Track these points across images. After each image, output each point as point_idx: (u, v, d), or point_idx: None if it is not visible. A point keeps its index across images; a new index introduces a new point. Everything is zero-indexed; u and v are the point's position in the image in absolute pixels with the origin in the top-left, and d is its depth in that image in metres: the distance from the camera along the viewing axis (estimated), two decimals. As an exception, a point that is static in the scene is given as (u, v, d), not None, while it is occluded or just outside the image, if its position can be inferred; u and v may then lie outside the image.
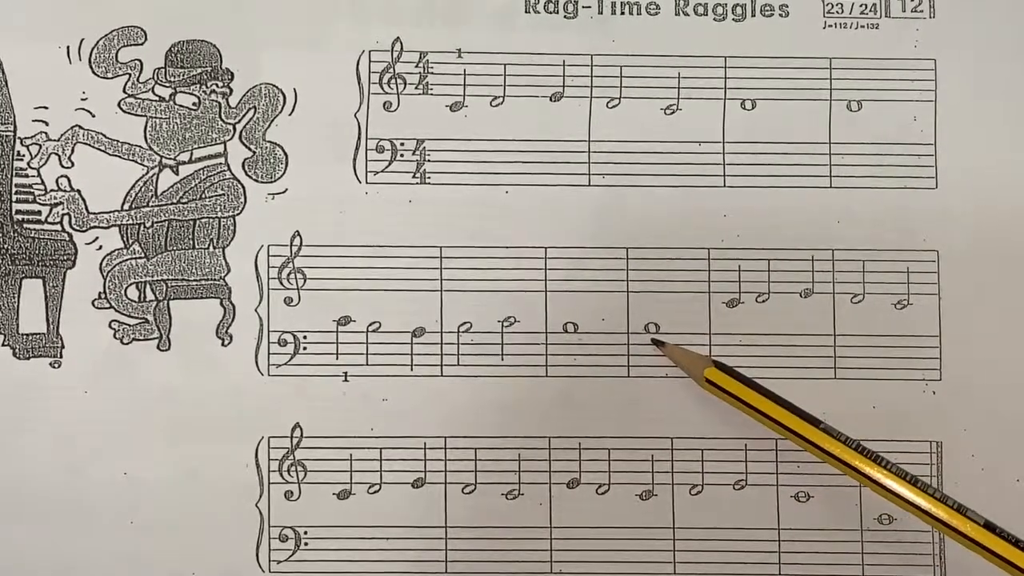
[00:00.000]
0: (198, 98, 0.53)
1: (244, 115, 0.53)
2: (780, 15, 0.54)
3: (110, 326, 0.52)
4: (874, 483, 0.47)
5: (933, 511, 0.46)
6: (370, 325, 0.53)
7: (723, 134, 0.54)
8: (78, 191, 0.53)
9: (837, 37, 0.54)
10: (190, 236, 0.53)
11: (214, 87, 0.53)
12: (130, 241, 0.53)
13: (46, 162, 0.53)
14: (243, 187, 0.53)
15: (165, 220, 0.53)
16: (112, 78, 0.53)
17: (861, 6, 0.54)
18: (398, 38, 0.54)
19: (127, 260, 0.53)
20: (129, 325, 0.52)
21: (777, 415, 0.49)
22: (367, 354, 0.53)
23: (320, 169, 0.53)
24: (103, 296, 0.52)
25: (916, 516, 0.46)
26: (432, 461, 0.52)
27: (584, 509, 0.52)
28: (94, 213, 0.53)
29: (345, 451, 0.52)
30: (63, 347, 0.52)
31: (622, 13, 0.54)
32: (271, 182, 0.53)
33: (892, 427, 0.53)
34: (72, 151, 0.53)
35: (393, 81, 0.54)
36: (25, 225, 0.53)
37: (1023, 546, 0.45)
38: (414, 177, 0.53)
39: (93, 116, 0.53)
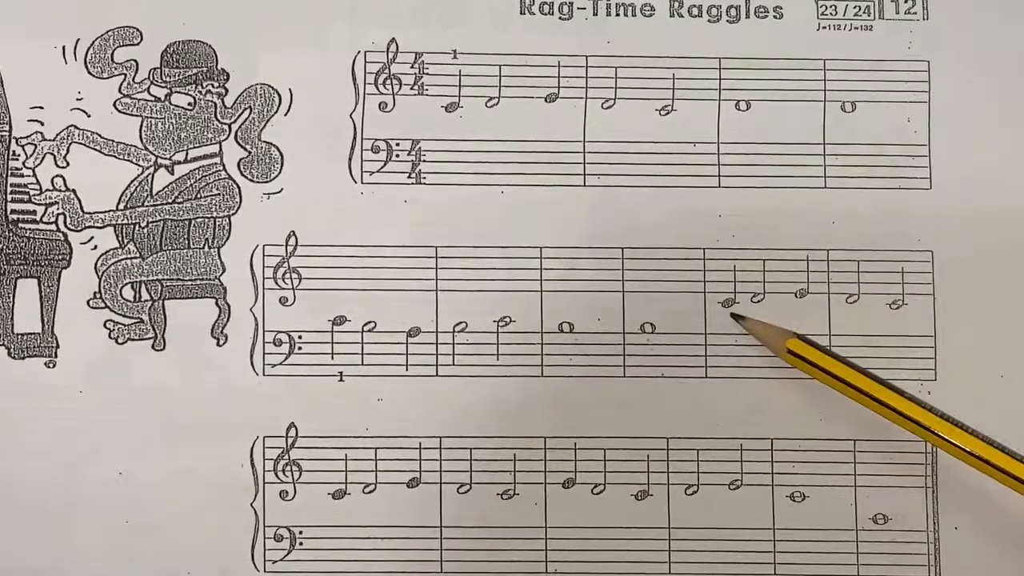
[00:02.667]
0: (194, 98, 0.53)
1: (240, 115, 0.53)
2: (774, 16, 0.55)
3: (105, 326, 0.52)
4: (962, 451, 0.48)
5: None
6: (365, 325, 0.53)
7: (718, 135, 0.54)
8: (73, 191, 0.53)
9: (831, 38, 0.54)
10: (185, 236, 0.53)
11: (210, 87, 0.53)
12: (125, 241, 0.53)
13: (41, 162, 0.53)
14: (238, 187, 0.53)
15: (160, 220, 0.53)
16: (108, 78, 0.53)
17: (855, 8, 0.55)
18: (394, 39, 0.54)
19: (122, 260, 0.53)
20: (124, 325, 0.52)
21: (861, 384, 0.49)
22: (362, 354, 0.53)
23: (316, 169, 0.53)
24: (98, 296, 0.52)
25: (1012, 488, 0.47)
26: (427, 461, 0.52)
27: (579, 509, 0.52)
28: (89, 213, 0.53)
29: (340, 451, 0.52)
30: (58, 347, 0.52)
31: (617, 15, 0.54)
32: (266, 182, 0.53)
33: (887, 427, 0.52)
34: (67, 151, 0.53)
35: (389, 82, 0.54)
36: (20, 225, 0.53)
37: None
38: (409, 177, 0.53)
39: (88, 116, 0.53)
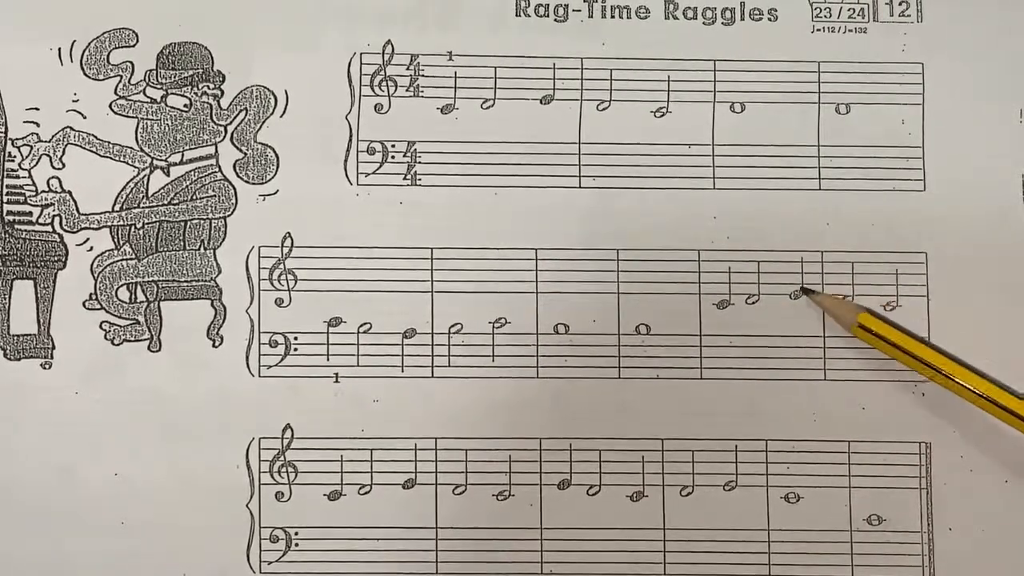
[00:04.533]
0: (189, 100, 0.53)
1: (235, 117, 0.53)
2: (769, 19, 0.55)
3: (101, 327, 0.52)
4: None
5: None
6: (361, 326, 0.53)
7: (712, 137, 0.54)
8: (69, 192, 0.53)
9: (825, 41, 0.55)
10: (181, 237, 0.53)
11: (205, 89, 0.53)
12: (121, 242, 0.53)
13: (37, 163, 0.53)
14: (234, 188, 0.53)
15: (156, 221, 0.53)
16: (103, 80, 0.53)
17: (849, 10, 0.55)
18: (389, 40, 0.54)
19: (118, 261, 0.53)
20: (120, 326, 0.52)
21: (928, 357, 0.51)
22: (358, 355, 0.53)
23: (311, 171, 0.53)
24: (94, 297, 0.52)
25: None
26: (423, 462, 0.52)
27: (575, 510, 0.52)
28: (85, 214, 0.53)
29: (336, 452, 0.52)
30: (54, 348, 0.52)
31: (612, 17, 0.54)
32: (262, 183, 0.53)
33: (881, 428, 0.53)
34: (63, 152, 0.53)
35: (384, 83, 0.54)
36: (16, 226, 0.53)
37: None
38: (405, 179, 0.53)
39: (84, 117, 0.53)
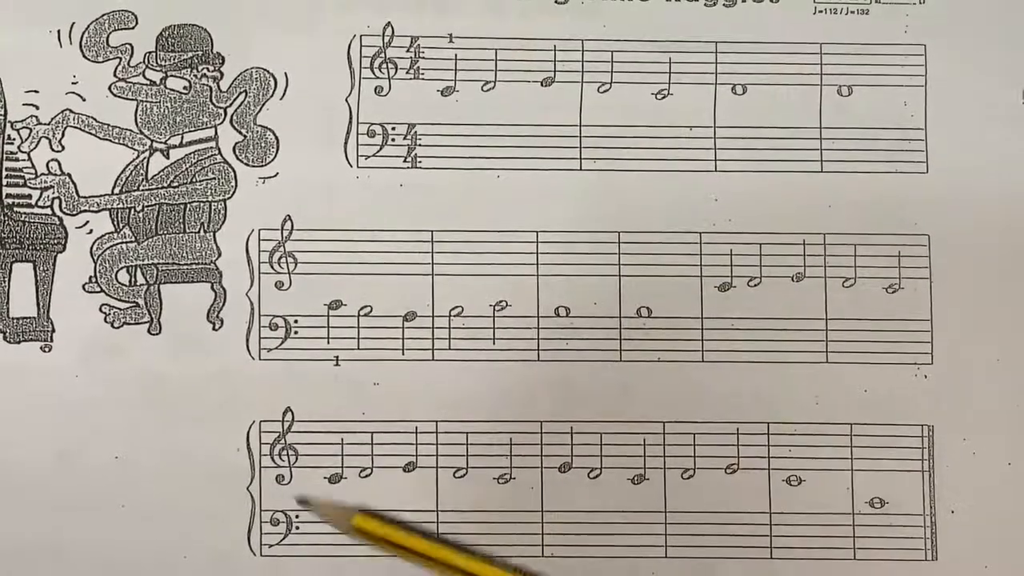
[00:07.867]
0: (189, 82, 0.53)
1: (235, 99, 0.53)
2: (771, 0, 0.55)
3: (101, 310, 0.52)
4: None
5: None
6: (361, 309, 0.53)
7: (714, 119, 0.54)
8: (68, 175, 0.53)
9: (828, 22, 0.54)
10: (181, 220, 0.53)
11: (205, 71, 0.53)
12: (121, 225, 0.53)
13: (36, 146, 0.53)
14: (234, 171, 0.53)
15: (156, 204, 0.53)
16: (103, 62, 0.53)
17: (851, -9, 0.55)
18: (389, 23, 0.54)
19: (118, 244, 0.53)
20: (120, 309, 0.52)
21: (425, 550, 0.51)
22: (358, 338, 0.53)
23: (311, 153, 0.53)
24: (94, 280, 0.52)
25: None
26: (423, 445, 0.52)
27: (576, 493, 0.52)
28: (84, 197, 0.53)
29: (336, 435, 0.52)
30: (54, 331, 0.52)
31: (613, -2, 0.54)
32: (262, 166, 0.53)
33: (884, 411, 0.53)
34: (63, 135, 0.53)
35: (384, 66, 0.54)
36: (15, 209, 0.52)
37: None
38: (405, 161, 0.53)
39: (84, 100, 0.53)
